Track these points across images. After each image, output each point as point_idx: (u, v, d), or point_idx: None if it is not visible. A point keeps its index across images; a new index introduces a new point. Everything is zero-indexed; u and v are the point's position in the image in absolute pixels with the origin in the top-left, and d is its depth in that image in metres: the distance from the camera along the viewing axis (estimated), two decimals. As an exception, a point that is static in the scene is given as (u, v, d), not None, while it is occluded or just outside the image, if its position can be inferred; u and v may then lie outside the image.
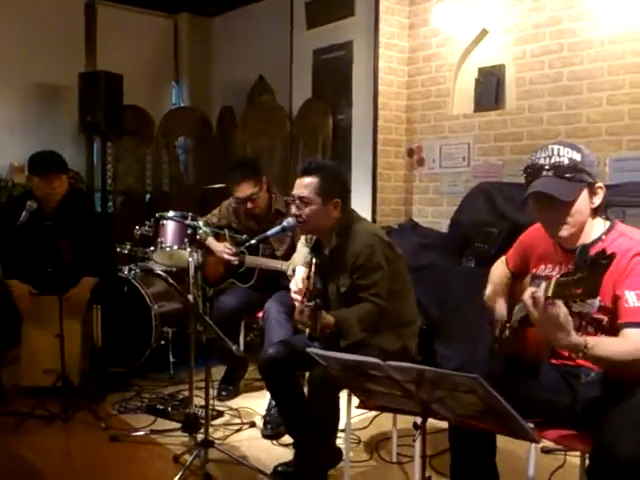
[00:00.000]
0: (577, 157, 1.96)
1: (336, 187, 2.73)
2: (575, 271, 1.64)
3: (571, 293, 1.63)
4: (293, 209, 2.77)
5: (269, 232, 3.07)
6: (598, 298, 1.66)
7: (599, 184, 2.00)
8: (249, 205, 3.78)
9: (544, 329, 1.78)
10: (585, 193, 1.97)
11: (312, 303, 2.52)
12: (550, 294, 1.70)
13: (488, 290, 2.35)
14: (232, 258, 3.79)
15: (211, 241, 3.90)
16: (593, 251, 1.93)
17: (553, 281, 1.70)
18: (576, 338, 1.76)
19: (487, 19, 4.63)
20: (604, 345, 1.81)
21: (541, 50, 4.34)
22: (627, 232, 2.00)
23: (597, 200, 2.00)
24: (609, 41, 4.00)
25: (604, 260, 1.59)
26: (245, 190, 3.74)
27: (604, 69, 4.03)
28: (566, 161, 1.95)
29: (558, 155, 1.96)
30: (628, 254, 1.91)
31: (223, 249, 3.82)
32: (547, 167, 1.96)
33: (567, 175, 1.94)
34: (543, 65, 4.34)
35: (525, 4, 4.41)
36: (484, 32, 4.69)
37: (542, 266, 2.14)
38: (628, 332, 1.84)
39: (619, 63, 3.96)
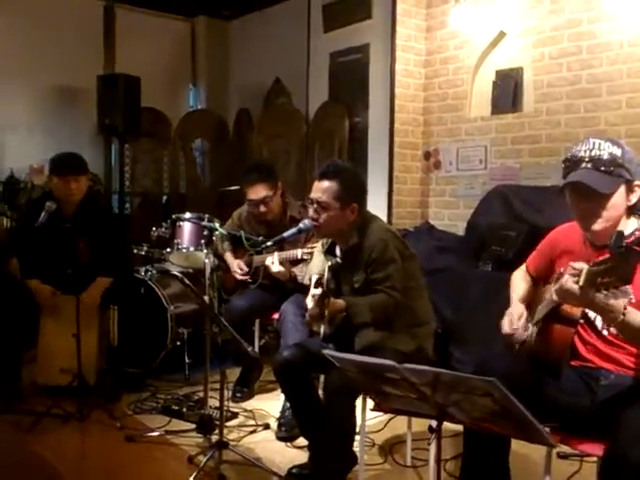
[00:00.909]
0: (617, 152, 1.95)
1: (354, 192, 2.73)
2: (608, 260, 1.63)
3: (603, 281, 1.62)
4: (311, 212, 2.77)
5: (285, 234, 3.09)
6: (630, 287, 1.65)
7: (637, 182, 1.98)
8: (261, 208, 3.75)
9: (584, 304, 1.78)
10: (622, 189, 1.96)
11: (319, 290, 2.53)
12: (582, 283, 1.69)
13: (505, 326, 2.24)
14: (243, 278, 3.84)
15: (228, 256, 3.96)
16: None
17: (584, 270, 1.69)
18: (616, 301, 1.73)
19: (505, 21, 4.60)
20: None
21: (559, 52, 4.31)
22: None
23: (634, 198, 1.99)
24: (628, 43, 3.96)
25: (639, 246, 1.59)
26: (259, 192, 3.72)
27: (623, 71, 3.99)
28: (606, 155, 1.94)
29: (598, 149, 1.95)
30: None
31: (235, 269, 3.86)
32: (586, 159, 1.96)
33: (606, 169, 1.93)
34: (561, 68, 4.31)
35: (543, 6, 4.39)
36: (502, 34, 4.67)
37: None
38: None
39: (639, 65, 3.92)
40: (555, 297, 1.92)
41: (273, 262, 3.43)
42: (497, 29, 4.66)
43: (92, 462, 3.17)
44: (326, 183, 2.69)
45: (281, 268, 3.44)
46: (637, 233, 1.99)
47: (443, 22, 5.00)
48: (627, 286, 1.63)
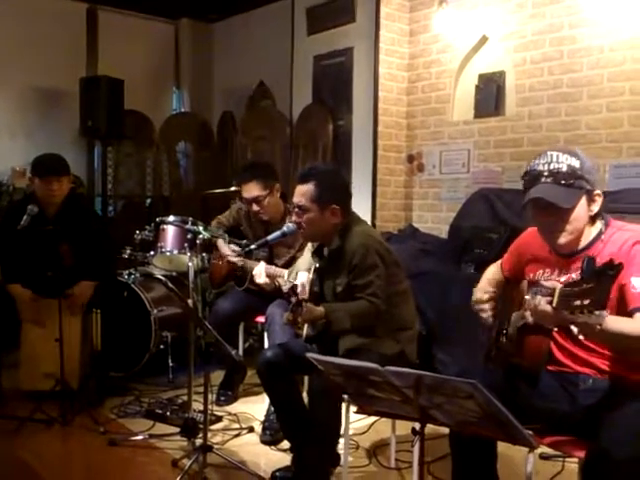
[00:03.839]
0: (576, 164, 1.95)
1: (332, 193, 2.72)
2: (581, 282, 1.61)
3: (577, 304, 1.60)
4: (294, 216, 2.80)
5: (269, 237, 3.10)
6: (607, 310, 1.64)
7: (597, 191, 1.99)
8: (255, 207, 3.71)
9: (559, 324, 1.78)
10: (584, 200, 1.96)
11: (293, 299, 2.55)
12: (554, 305, 1.68)
13: (477, 292, 2.36)
14: (236, 259, 3.75)
15: (220, 242, 3.90)
16: (592, 253, 1.94)
17: (557, 291, 1.68)
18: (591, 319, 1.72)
19: (487, 26, 4.64)
20: (619, 321, 1.80)
21: (541, 57, 4.35)
22: (623, 227, 2.02)
23: (595, 207, 1.99)
24: (609, 48, 4.01)
25: (612, 271, 1.57)
26: (251, 191, 3.67)
27: (604, 76, 4.04)
28: (565, 167, 1.94)
29: (557, 162, 1.95)
30: (628, 243, 1.93)
31: (228, 251, 3.81)
32: (546, 173, 1.95)
33: (566, 182, 1.93)
34: (543, 72, 4.35)
35: (525, 11, 4.43)
36: (484, 39, 4.70)
37: (540, 270, 2.14)
38: None
39: (619, 70, 3.97)
40: (530, 318, 1.91)
41: (260, 274, 3.41)
42: (479, 33, 4.70)
43: (75, 467, 3.15)
44: (304, 187, 2.71)
45: (267, 280, 3.42)
46: (603, 236, 1.99)
47: (426, 26, 5.03)
48: (602, 311, 1.63)
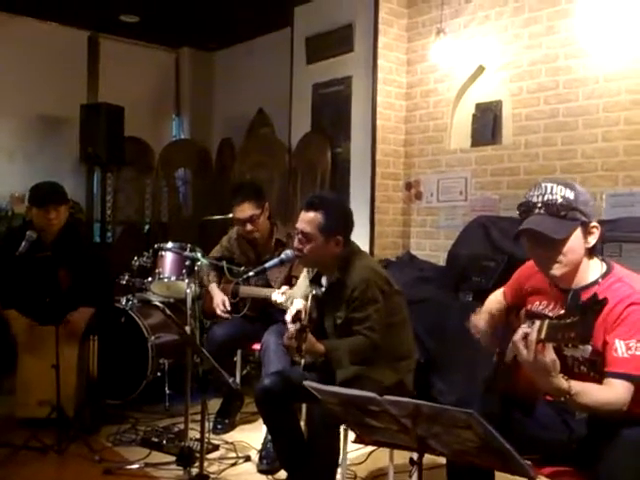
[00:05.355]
0: (570, 195, 1.94)
1: (339, 224, 2.73)
2: (567, 315, 1.62)
3: (563, 337, 1.61)
4: (295, 242, 2.79)
5: (267, 264, 3.11)
6: (590, 344, 1.64)
7: (594, 223, 1.97)
8: (248, 227, 3.76)
9: (531, 371, 1.76)
10: (579, 232, 1.95)
11: (297, 325, 2.53)
12: (543, 337, 1.68)
13: (478, 316, 2.35)
14: (223, 315, 3.80)
15: (213, 288, 3.92)
16: (587, 295, 1.91)
17: (545, 323, 1.68)
18: (561, 383, 1.74)
19: (484, 56, 4.70)
20: (588, 393, 1.80)
21: (537, 87, 4.40)
22: (625, 278, 1.97)
23: (592, 240, 1.97)
24: (604, 78, 4.06)
25: (596, 306, 1.58)
26: (246, 210, 3.73)
27: (599, 106, 4.08)
28: (559, 199, 1.94)
29: (551, 193, 1.95)
30: (625, 301, 1.88)
31: (219, 303, 3.82)
32: (539, 205, 1.96)
33: (559, 213, 1.93)
34: (539, 101, 4.40)
35: (521, 41, 4.49)
36: (481, 68, 4.76)
37: (537, 302, 2.14)
38: (613, 382, 1.82)
39: (614, 100, 4.01)
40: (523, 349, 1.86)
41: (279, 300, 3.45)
42: (476, 63, 4.75)
43: (69, 496, 3.12)
44: (311, 214, 2.71)
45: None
46: (600, 281, 1.97)
47: (423, 56, 5.09)
48: (587, 345, 1.63)
